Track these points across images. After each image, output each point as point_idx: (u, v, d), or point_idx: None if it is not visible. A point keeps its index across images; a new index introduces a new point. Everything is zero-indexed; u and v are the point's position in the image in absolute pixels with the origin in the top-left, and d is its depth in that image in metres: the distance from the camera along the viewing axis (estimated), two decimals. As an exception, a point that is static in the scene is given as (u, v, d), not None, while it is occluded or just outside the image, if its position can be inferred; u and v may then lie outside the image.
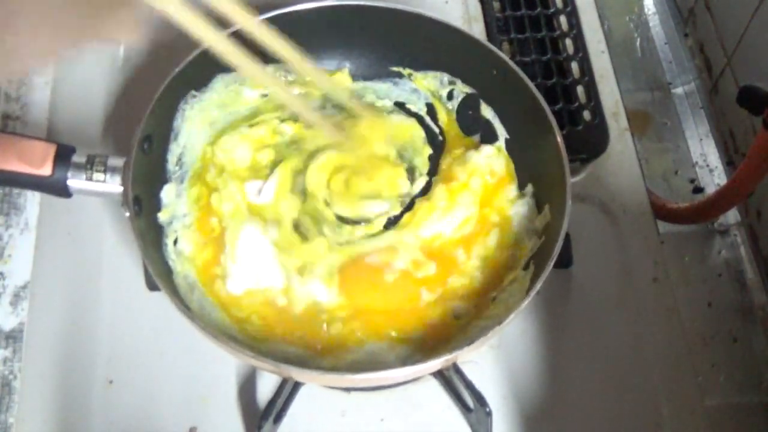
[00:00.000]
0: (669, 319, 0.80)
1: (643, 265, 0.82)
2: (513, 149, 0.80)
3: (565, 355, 0.78)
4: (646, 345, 0.78)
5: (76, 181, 0.68)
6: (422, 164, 0.81)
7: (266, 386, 0.74)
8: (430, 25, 0.80)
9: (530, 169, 0.78)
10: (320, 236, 0.74)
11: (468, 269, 0.74)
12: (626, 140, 0.90)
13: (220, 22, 0.62)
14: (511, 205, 0.77)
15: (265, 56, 0.66)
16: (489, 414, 0.69)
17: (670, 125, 1.04)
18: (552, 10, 0.97)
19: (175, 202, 0.75)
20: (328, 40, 0.83)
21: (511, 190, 0.78)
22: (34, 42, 0.46)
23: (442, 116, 0.84)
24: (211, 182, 0.76)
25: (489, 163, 0.78)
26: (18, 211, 0.82)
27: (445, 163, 0.80)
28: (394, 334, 0.70)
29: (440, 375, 0.74)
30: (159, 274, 0.66)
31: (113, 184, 0.69)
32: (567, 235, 0.77)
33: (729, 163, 0.99)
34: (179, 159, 0.77)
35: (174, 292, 0.68)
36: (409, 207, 0.78)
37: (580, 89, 0.90)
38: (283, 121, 0.81)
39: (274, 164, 0.78)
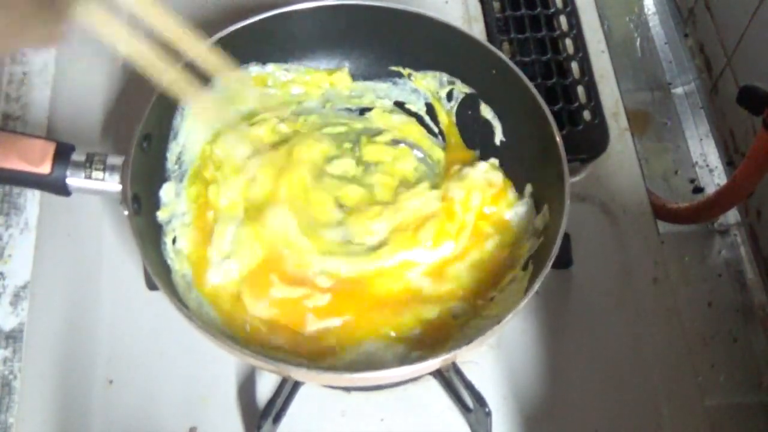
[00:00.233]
0: (669, 319, 0.80)
1: (643, 265, 0.82)
2: (512, 150, 0.80)
3: (565, 355, 0.78)
4: (646, 345, 0.78)
5: (75, 180, 0.68)
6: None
7: (266, 386, 0.74)
8: (430, 25, 0.79)
9: (529, 169, 0.78)
10: (317, 238, 0.74)
11: (466, 272, 0.74)
12: (626, 140, 0.90)
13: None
14: (510, 207, 0.77)
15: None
16: (488, 414, 0.69)
17: (670, 125, 1.04)
18: (552, 10, 0.97)
19: (174, 200, 0.75)
20: (328, 40, 0.83)
21: (509, 195, 0.77)
22: None
23: (442, 117, 0.84)
24: (210, 177, 0.76)
25: (487, 178, 0.78)
26: (18, 211, 0.82)
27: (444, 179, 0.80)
28: (393, 334, 0.70)
29: (440, 375, 0.74)
30: (157, 272, 0.66)
31: (112, 183, 0.69)
32: (567, 235, 0.78)
33: (729, 163, 0.98)
34: (178, 158, 0.77)
35: (172, 291, 0.68)
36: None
37: (580, 89, 0.91)
38: (282, 120, 0.81)
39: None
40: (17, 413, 0.73)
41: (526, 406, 0.75)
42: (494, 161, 0.79)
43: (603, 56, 0.95)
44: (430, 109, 0.84)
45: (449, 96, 0.84)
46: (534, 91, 0.75)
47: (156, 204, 0.74)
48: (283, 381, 0.71)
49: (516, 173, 0.79)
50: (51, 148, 0.68)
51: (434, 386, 0.75)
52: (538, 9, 0.97)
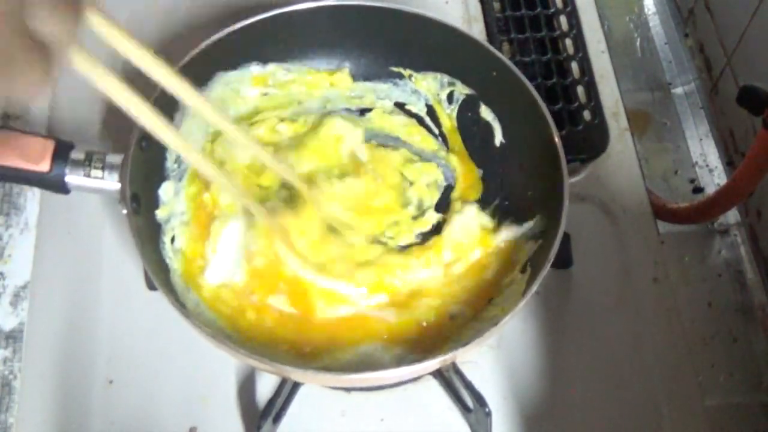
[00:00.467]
0: (669, 319, 0.80)
1: (643, 265, 0.82)
2: (512, 151, 0.80)
3: (565, 355, 0.78)
4: (646, 345, 0.78)
5: (74, 178, 0.68)
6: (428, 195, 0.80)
7: (266, 386, 0.74)
8: (430, 25, 0.79)
9: (529, 170, 0.78)
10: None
11: (464, 275, 0.74)
12: (626, 140, 0.90)
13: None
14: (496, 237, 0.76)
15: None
16: (488, 414, 0.69)
17: (670, 125, 1.04)
18: (552, 10, 0.97)
19: (173, 199, 0.75)
20: (328, 40, 0.83)
21: (492, 237, 0.77)
22: None
23: (444, 121, 0.84)
24: None
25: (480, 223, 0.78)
26: (18, 211, 0.82)
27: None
28: (385, 335, 0.70)
29: (440, 375, 0.74)
30: (156, 272, 0.66)
31: (111, 181, 0.69)
32: (567, 235, 0.78)
33: (729, 163, 0.98)
34: (178, 157, 0.76)
35: (170, 291, 0.68)
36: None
37: (580, 89, 0.91)
38: (282, 120, 0.81)
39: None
40: (17, 413, 0.73)
41: (526, 406, 0.75)
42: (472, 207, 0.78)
43: (603, 56, 0.95)
44: (431, 111, 0.84)
45: (450, 98, 0.84)
46: (533, 91, 0.75)
47: (155, 203, 0.74)
48: (283, 381, 0.71)
49: (516, 174, 0.79)
50: (50, 145, 0.68)
51: (434, 386, 0.75)
52: (538, 9, 0.97)
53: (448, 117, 0.84)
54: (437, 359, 0.63)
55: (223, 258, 0.72)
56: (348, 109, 0.84)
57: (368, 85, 0.85)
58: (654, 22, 1.12)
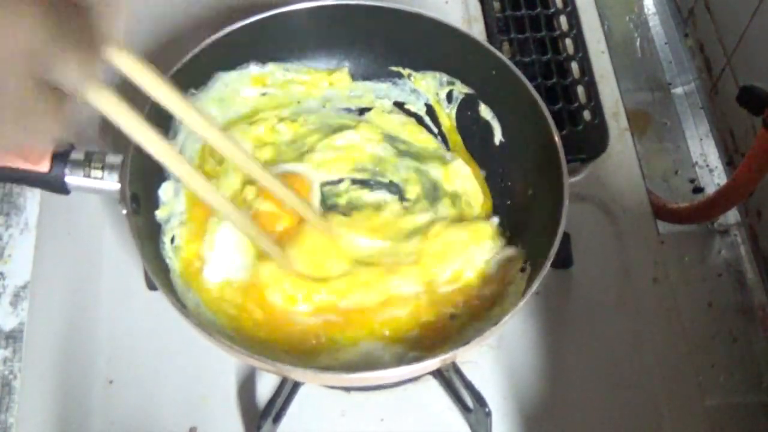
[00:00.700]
0: (669, 319, 0.80)
1: (643, 265, 0.82)
2: (511, 150, 0.80)
3: (565, 355, 0.78)
4: (646, 345, 0.78)
5: (73, 178, 0.68)
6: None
7: (266, 386, 0.74)
8: (429, 25, 0.79)
9: (529, 169, 0.78)
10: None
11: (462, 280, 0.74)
12: (626, 140, 0.90)
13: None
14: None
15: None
16: (488, 414, 0.69)
17: (670, 125, 1.04)
18: (552, 10, 0.97)
19: (173, 199, 0.75)
20: (327, 40, 0.83)
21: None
22: None
23: (443, 120, 0.84)
24: (211, 171, 0.76)
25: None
26: (18, 211, 0.82)
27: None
28: (386, 333, 0.70)
29: (440, 375, 0.74)
30: (156, 272, 0.66)
31: (111, 182, 0.69)
32: (567, 235, 0.78)
33: (729, 163, 0.98)
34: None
35: (170, 291, 0.68)
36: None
37: (580, 89, 0.91)
38: (281, 120, 0.81)
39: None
40: (17, 413, 0.73)
41: (526, 406, 0.75)
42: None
43: (603, 56, 0.95)
44: (430, 110, 0.84)
45: (449, 97, 0.84)
46: (533, 91, 0.75)
47: (155, 203, 0.74)
48: (283, 381, 0.71)
49: (516, 174, 0.79)
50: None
51: (434, 386, 0.75)
52: (538, 9, 0.97)
53: (447, 116, 0.84)
54: (437, 358, 0.63)
55: (221, 255, 0.72)
56: (347, 109, 0.84)
57: (367, 84, 0.85)
58: (654, 22, 1.11)
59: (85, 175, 0.68)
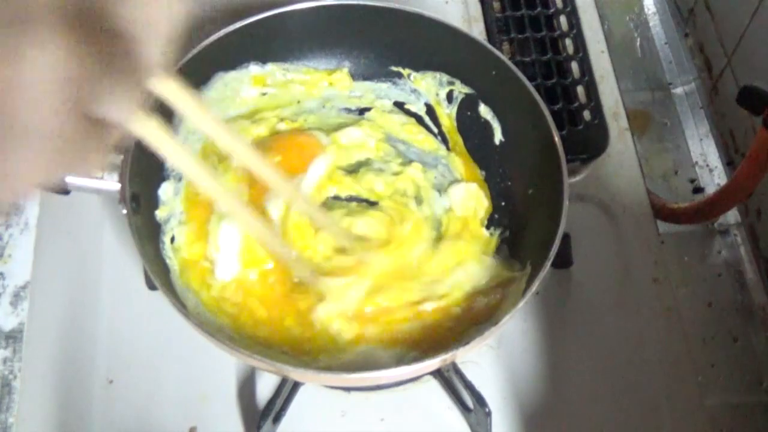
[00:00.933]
0: (669, 319, 0.80)
1: (643, 265, 0.82)
2: (511, 150, 0.80)
3: (565, 355, 0.78)
4: (646, 345, 0.78)
5: (74, 178, 0.68)
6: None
7: (266, 386, 0.74)
8: (429, 25, 0.79)
9: (529, 169, 0.78)
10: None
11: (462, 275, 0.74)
12: (626, 140, 0.90)
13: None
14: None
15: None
16: (488, 414, 0.69)
17: (670, 125, 1.04)
18: (552, 10, 0.97)
19: (173, 199, 0.75)
20: (327, 40, 0.83)
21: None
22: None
23: (444, 120, 0.84)
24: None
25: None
26: (18, 211, 0.82)
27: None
28: (386, 333, 0.70)
29: (440, 375, 0.74)
30: (155, 272, 0.66)
31: (111, 181, 0.68)
32: (567, 235, 0.78)
33: (729, 163, 0.98)
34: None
35: (170, 291, 0.68)
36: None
37: (580, 89, 0.91)
38: (281, 120, 0.81)
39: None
40: (17, 413, 0.73)
41: (526, 406, 0.75)
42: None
43: (603, 56, 0.95)
44: (430, 110, 0.84)
45: (449, 97, 0.84)
46: (533, 91, 0.75)
47: (155, 203, 0.74)
48: (283, 381, 0.71)
49: (515, 174, 0.79)
50: (50, 146, 0.68)
51: (434, 386, 0.75)
52: (538, 9, 0.97)
53: (447, 116, 0.84)
54: (437, 358, 0.63)
55: (228, 254, 0.72)
56: (347, 109, 0.84)
57: (367, 84, 0.85)
58: (654, 22, 1.12)
59: (85, 175, 0.68)
